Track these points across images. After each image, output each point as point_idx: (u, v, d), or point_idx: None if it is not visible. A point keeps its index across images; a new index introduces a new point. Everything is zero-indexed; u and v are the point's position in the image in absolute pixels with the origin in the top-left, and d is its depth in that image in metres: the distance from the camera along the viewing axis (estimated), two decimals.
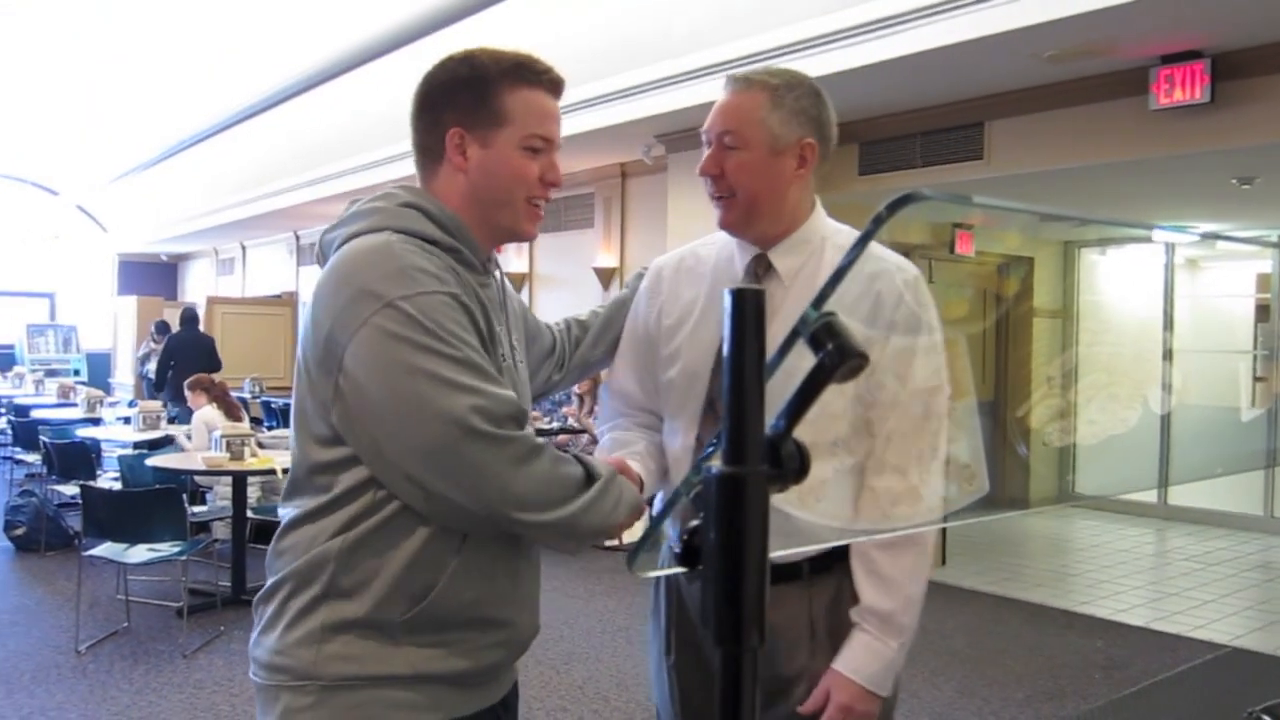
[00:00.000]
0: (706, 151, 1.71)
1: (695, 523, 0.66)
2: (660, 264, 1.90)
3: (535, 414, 8.67)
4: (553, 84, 1.54)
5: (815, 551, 1.70)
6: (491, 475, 1.34)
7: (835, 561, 1.71)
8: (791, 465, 0.62)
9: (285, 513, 1.48)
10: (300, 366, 1.45)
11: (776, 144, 1.65)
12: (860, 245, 0.62)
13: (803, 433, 0.63)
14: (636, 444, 1.83)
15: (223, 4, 8.40)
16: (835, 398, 1.54)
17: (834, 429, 1.61)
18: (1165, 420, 8.08)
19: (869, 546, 1.66)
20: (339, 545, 1.39)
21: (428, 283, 1.36)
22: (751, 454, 0.61)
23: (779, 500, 0.61)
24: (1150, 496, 8.86)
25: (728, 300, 0.61)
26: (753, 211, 1.69)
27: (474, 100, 1.48)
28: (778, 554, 1.61)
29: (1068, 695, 4.57)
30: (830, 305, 1.35)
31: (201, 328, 11.24)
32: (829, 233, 1.74)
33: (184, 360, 10.02)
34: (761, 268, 1.73)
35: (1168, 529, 8.48)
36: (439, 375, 1.32)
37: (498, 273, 1.61)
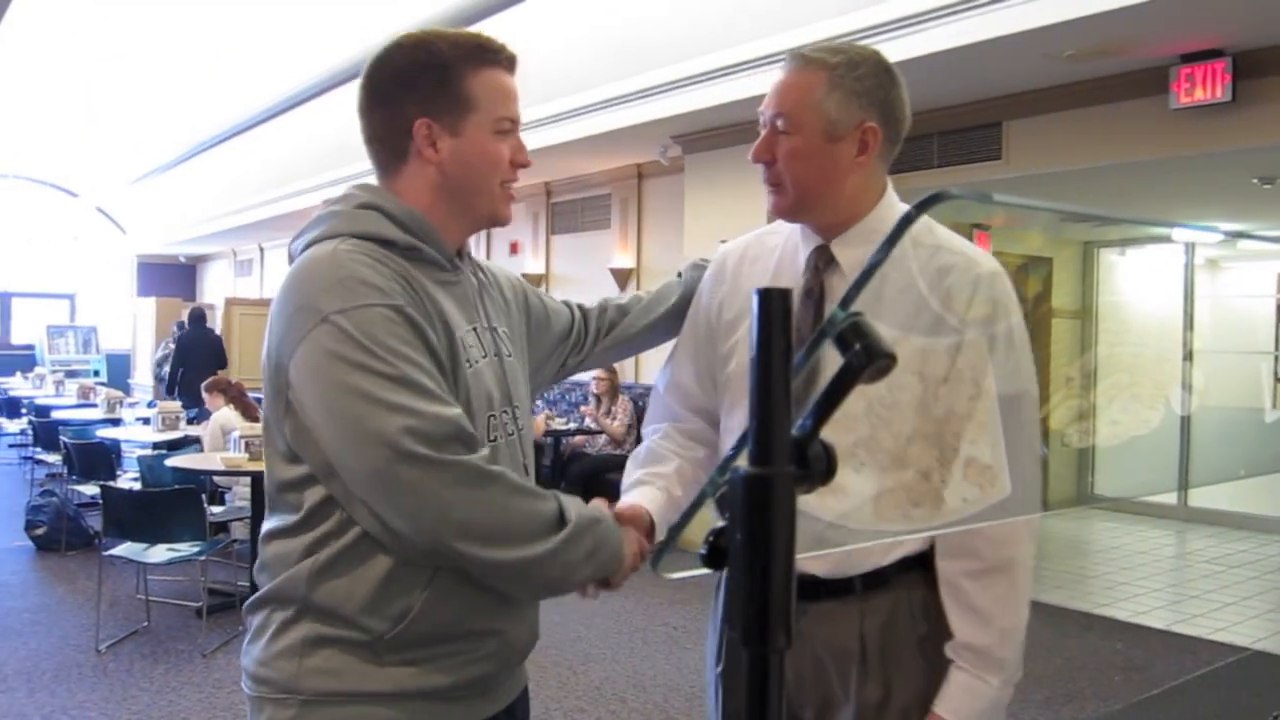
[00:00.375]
0: (761, 134, 1.57)
1: (721, 524, 0.66)
2: (726, 251, 1.78)
3: (548, 413, 8.69)
4: (510, 62, 1.48)
5: (870, 566, 1.56)
6: (429, 500, 1.27)
7: (892, 577, 1.56)
8: (819, 466, 0.62)
9: (265, 524, 1.46)
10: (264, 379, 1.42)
11: (833, 129, 1.51)
12: (889, 244, 0.61)
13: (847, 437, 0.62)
14: (667, 464, 1.72)
15: (242, 8, 8.45)
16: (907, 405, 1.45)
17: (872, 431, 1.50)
18: (1185, 422, 8.04)
19: (958, 576, 1.52)
20: (309, 568, 1.36)
21: (368, 295, 1.30)
22: (778, 454, 0.60)
23: (812, 505, 0.61)
24: (1170, 498, 8.80)
25: (754, 300, 0.61)
26: (804, 201, 1.56)
27: (437, 87, 1.41)
28: (819, 568, 1.56)
29: (1087, 697, 4.54)
30: (893, 303, 1.31)
31: (210, 325, 11.42)
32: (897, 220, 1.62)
33: (194, 359, 10.43)
34: (823, 260, 1.60)
35: (1188, 531, 8.42)
36: (371, 394, 1.26)
37: (477, 267, 1.58)
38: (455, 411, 1.31)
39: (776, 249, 1.69)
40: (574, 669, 4.79)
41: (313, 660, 1.36)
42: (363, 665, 1.36)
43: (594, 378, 8.44)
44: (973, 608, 1.51)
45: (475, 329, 1.46)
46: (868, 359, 0.61)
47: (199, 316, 11.16)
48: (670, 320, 1.85)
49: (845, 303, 0.62)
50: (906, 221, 0.58)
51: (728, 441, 1.71)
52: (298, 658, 1.36)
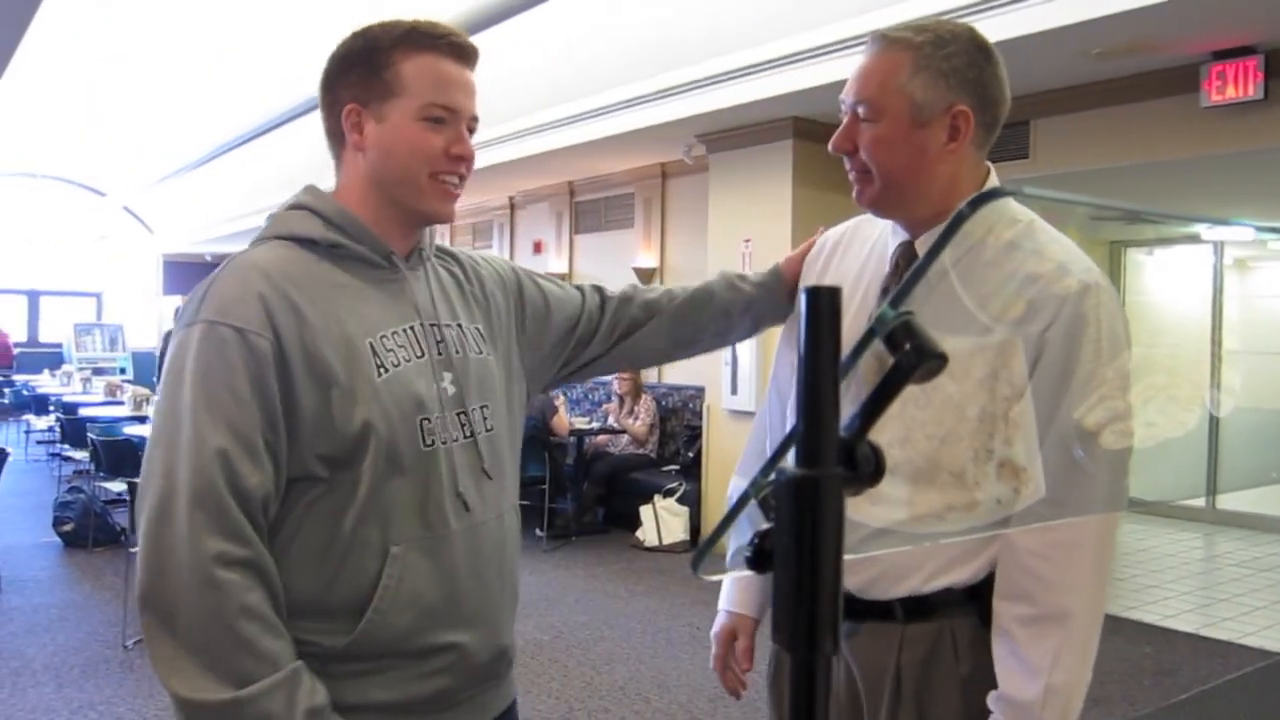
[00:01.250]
0: (842, 123, 1.46)
1: (766, 526, 0.65)
2: (827, 236, 1.69)
3: (562, 398, 8.68)
4: (455, 48, 1.39)
5: (906, 591, 1.46)
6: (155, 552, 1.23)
7: (937, 608, 1.45)
8: (867, 468, 0.61)
9: None
10: None
11: (920, 114, 1.38)
12: (938, 247, 0.60)
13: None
14: None
15: (268, 9, 8.49)
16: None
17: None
18: (1214, 425, 7.95)
19: (1010, 621, 1.39)
20: None
21: (219, 312, 1.29)
22: (827, 455, 0.59)
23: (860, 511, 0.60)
24: (1198, 500, 8.72)
25: (801, 298, 0.60)
26: (891, 193, 1.43)
27: (367, 72, 1.38)
28: (852, 583, 1.51)
29: (1115, 701, 4.50)
30: (973, 312, 1.22)
31: None
32: (995, 220, 1.42)
33: None
34: (905, 258, 1.48)
35: (1216, 534, 8.34)
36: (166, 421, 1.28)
37: (452, 260, 1.55)
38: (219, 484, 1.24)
39: (870, 239, 1.59)
40: (598, 669, 4.79)
41: None
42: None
43: (616, 377, 8.44)
44: (1018, 658, 1.37)
45: (410, 329, 1.40)
46: (918, 359, 0.59)
47: None
48: (697, 335, 1.77)
49: (896, 301, 0.61)
50: (960, 219, 0.57)
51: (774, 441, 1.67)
52: None
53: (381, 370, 1.34)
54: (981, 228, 1.43)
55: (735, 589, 1.74)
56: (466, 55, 1.41)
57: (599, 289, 1.75)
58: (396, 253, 1.43)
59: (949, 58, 1.38)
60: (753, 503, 0.69)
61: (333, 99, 1.42)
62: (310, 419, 1.30)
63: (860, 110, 1.42)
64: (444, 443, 1.39)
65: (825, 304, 0.59)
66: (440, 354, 1.42)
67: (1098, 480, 1.31)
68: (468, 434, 1.43)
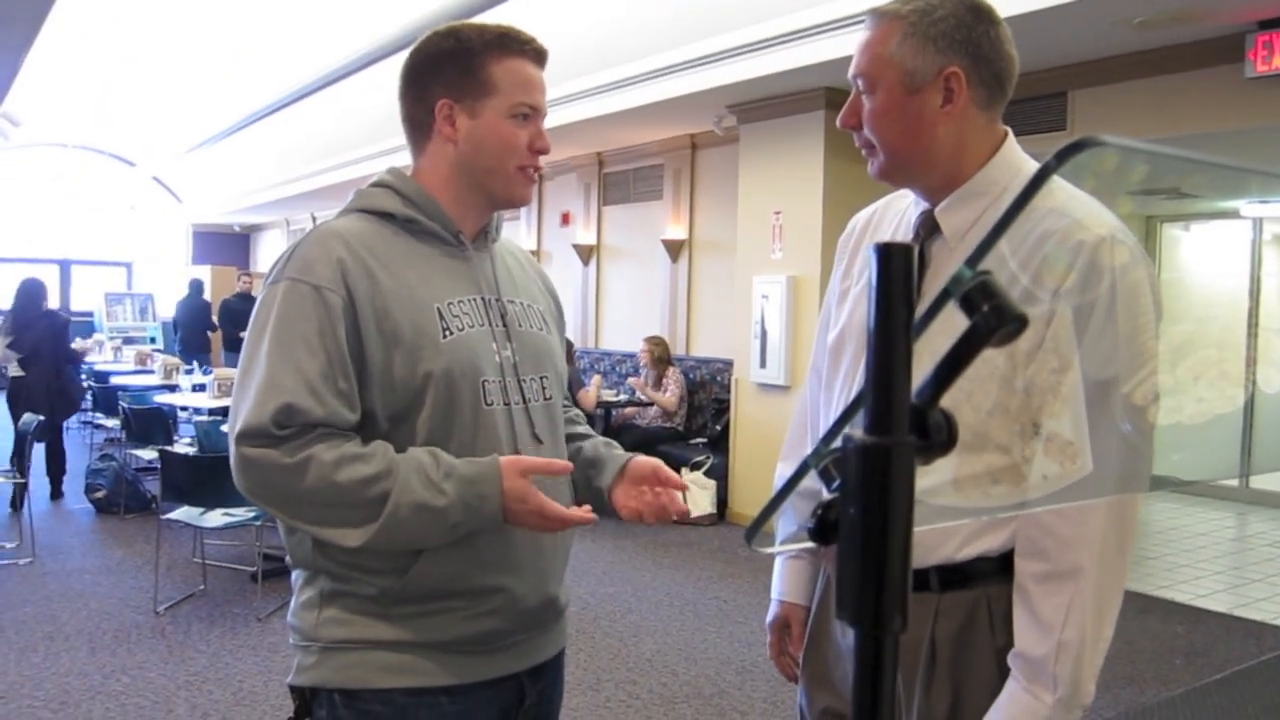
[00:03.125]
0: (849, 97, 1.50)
1: (829, 496, 0.62)
2: (858, 217, 1.71)
3: (598, 380, 8.67)
4: (536, 54, 1.57)
5: (942, 559, 1.45)
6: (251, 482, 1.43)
7: (973, 577, 1.45)
8: (939, 436, 0.58)
9: None
10: None
11: (911, 80, 1.41)
12: (1020, 203, 0.56)
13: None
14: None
15: None
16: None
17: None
18: (1249, 404, 7.80)
19: (1026, 578, 1.40)
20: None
21: (301, 271, 1.44)
22: (898, 423, 0.56)
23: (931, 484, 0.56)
24: (1231, 480, 8.61)
25: (873, 256, 0.56)
26: (897, 162, 1.46)
27: (460, 71, 1.53)
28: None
29: (1148, 681, 4.46)
30: (1008, 261, 1.17)
31: (204, 296, 14.14)
32: (1010, 180, 1.44)
33: (186, 321, 13.63)
34: (926, 227, 1.50)
35: (1249, 513, 8.24)
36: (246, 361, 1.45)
37: (510, 255, 1.70)
38: (282, 403, 1.38)
39: (899, 213, 1.60)
40: (625, 641, 4.79)
41: (328, 611, 1.50)
42: (371, 617, 1.48)
43: (641, 351, 8.42)
44: (1033, 614, 1.39)
45: (475, 300, 1.55)
46: (998, 321, 0.56)
47: (198, 287, 13.81)
48: None
49: (972, 261, 0.57)
50: (1045, 172, 0.53)
51: (825, 414, 1.65)
52: (316, 609, 1.50)
53: (448, 332, 1.48)
54: (996, 185, 1.45)
55: (786, 577, 1.75)
56: (543, 59, 1.58)
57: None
58: (465, 233, 1.58)
59: (936, 23, 1.41)
60: (811, 474, 0.66)
61: (421, 93, 1.56)
62: (377, 372, 1.44)
63: (859, 84, 1.46)
64: (503, 404, 1.53)
65: (899, 262, 0.56)
66: (503, 325, 1.57)
67: (1119, 455, 1.25)
68: (520, 400, 1.56)
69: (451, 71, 1.53)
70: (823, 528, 0.61)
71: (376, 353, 1.43)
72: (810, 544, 0.63)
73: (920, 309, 0.58)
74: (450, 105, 1.53)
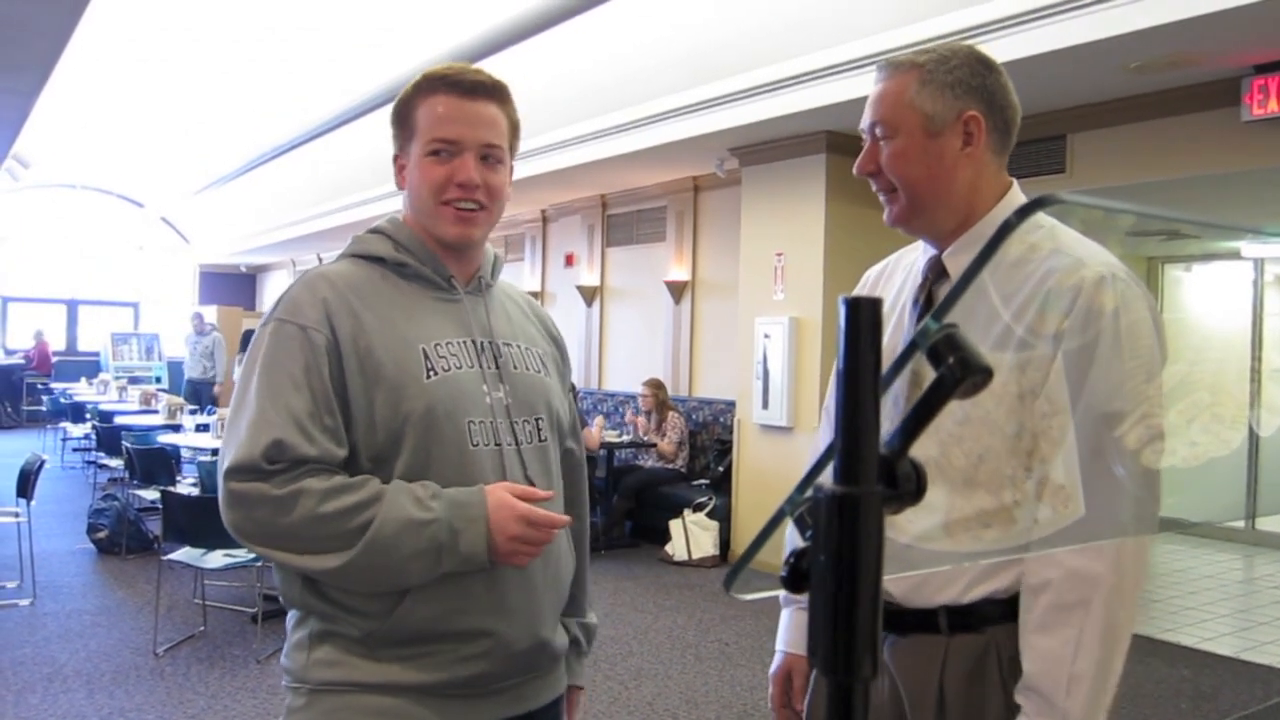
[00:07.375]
0: (865, 146, 1.53)
1: (802, 545, 0.63)
2: (869, 272, 1.74)
3: (600, 421, 8.66)
4: (455, 85, 1.54)
5: (948, 599, 1.46)
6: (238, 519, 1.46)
7: (982, 621, 1.45)
8: (908, 486, 0.59)
9: None
10: None
11: (932, 124, 1.45)
12: (984, 257, 0.58)
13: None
14: None
15: (302, 23, 8.57)
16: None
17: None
18: (1254, 445, 7.81)
19: (1032, 611, 1.39)
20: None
21: (288, 312, 1.48)
22: (866, 473, 0.57)
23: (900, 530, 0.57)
24: (1237, 521, 8.56)
25: (841, 309, 0.58)
26: (918, 203, 1.49)
27: (398, 122, 1.59)
28: (894, 589, 1.48)
29: None
30: (1008, 323, 1.18)
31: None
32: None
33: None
34: (934, 272, 1.53)
35: (1255, 555, 8.19)
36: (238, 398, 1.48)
37: (510, 301, 1.70)
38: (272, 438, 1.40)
39: (909, 265, 1.64)
40: (626, 685, 4.75)
41: (318, 653, 1.49)
42: (358, 658, 1.47)
43: (641, 396, 8.42)
44: (1040, 647, 1.37)
45: (465, 342, 1.55)
46: (963, 373, 0.57)
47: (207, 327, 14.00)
48: None
49: (939, 314, 0.59)
50: (1006, 229, 0.55)
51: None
52: (306, 650, 1.50)
53: (432, 373, 1.49)
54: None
55: (791, 628, 1.75)
56: (471, 90, 1.54)
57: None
58: (457, 277, 1.59)
59: (952, 70, 1.46)
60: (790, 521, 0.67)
61: (393, 151, 1.62)
62: (360, 411, 1.45)
63: (877, 130, 1.49)
64: (494, 445, 1.52)
65: (865, 315, 0.57)
66: (495, 367, 1.56)
67: (1121, 497, 1.29)
68: (512, 441, 1.55)
69: (394, 123, 1.59)
70: (795, 576, 0.62)
71: (359, 392, 1.45)
72: (783, 591, 0.64)
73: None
74: (399, 158, 1.60)
